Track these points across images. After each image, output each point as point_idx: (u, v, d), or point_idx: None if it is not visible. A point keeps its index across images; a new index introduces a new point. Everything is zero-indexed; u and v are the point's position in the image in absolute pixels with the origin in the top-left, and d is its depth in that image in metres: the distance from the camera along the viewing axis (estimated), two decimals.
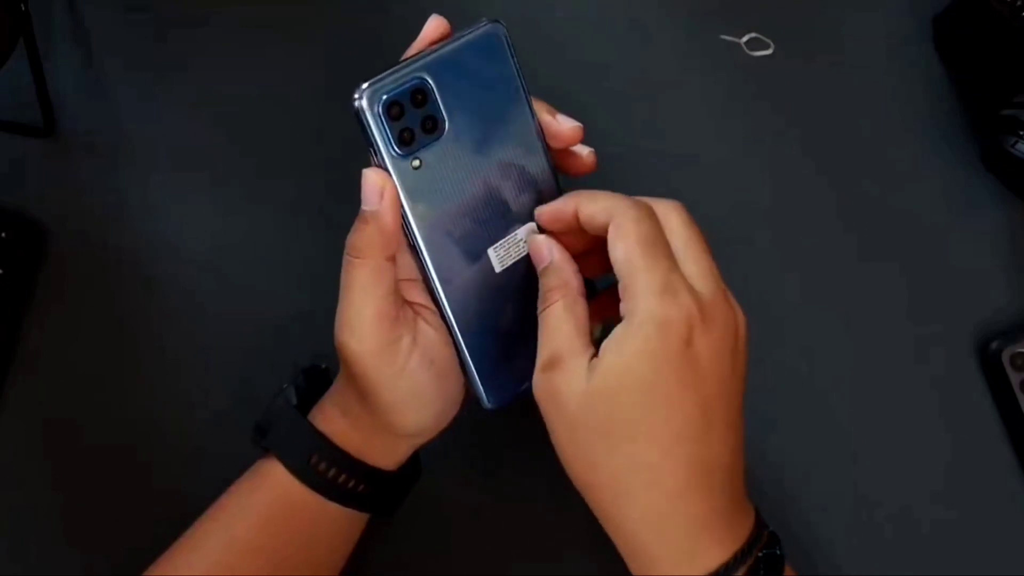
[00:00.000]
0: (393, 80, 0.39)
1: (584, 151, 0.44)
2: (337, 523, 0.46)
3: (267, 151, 0.58)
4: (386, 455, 0.45)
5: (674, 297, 0.38)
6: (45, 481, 0.54)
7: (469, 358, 0.43)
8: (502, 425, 0.56)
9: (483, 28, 0.41)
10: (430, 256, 0.42)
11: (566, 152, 0.44)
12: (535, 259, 0.43)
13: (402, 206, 0.40)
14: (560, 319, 0.40)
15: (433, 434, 0.46)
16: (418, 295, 0.44)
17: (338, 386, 0.46)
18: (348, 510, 0.45)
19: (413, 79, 0.39)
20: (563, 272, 0.41)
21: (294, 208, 0.58)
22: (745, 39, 0.61)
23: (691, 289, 0.39)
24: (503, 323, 0.44)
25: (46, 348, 0.55)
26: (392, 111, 0.39)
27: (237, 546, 0.45)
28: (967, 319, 0.58)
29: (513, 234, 0.44)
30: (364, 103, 0.39)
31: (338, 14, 0.60)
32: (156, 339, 0.56)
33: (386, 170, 0.40)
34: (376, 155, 0.40)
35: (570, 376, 0.39)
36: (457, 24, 0.42)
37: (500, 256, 0.44)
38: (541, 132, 0.43)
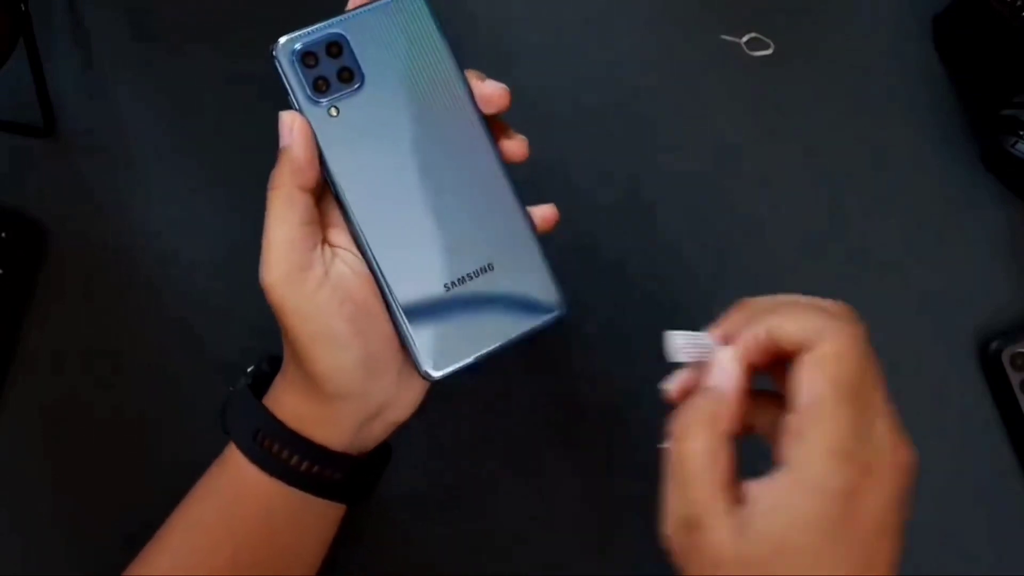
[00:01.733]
0: (308, 32, 0.42)
1: (517, 139, 0.44)
2: (296, 509, 0.44)
3: (268, 151, 0.58)
4: (333, 431, 0.43)
5: (849, 461, 0.34)
6: (45, 481, 0.54)
7: (401, 313, 0.42)
8: (502, 427, 0.56)
9: None
10: (351, 201, 0.42)
11: (500, 132, 0.44)
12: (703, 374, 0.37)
13: (321, 153, 0.42)
14: (702, 469, 0.35)
15: (367, 403, 0.43)
16: (341, 239, 0.43)
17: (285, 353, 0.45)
18: (306, 496, 0.44)
19: (328, 33, 0.43)
20: (723, 403, 0.37)
21: None
22: (745, 39, 0.61)
23: (869, 446, 0.35)
24: (445, 283, 0.43)
25: (46, 348, 0.55)
26: (307, 60, 0.42)
27: (201, 533, 0.44)
28: (967, 319, 0.58)
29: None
30: (279, 51, 0.42)
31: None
32: (156, 339, 0.56)
33: (302, 115, 0.42)
34: (294, 102, 0.42)
35: (715, 538, 0.35)
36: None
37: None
38: (473, 99, 0.44)
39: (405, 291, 0.42)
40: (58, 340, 0.55)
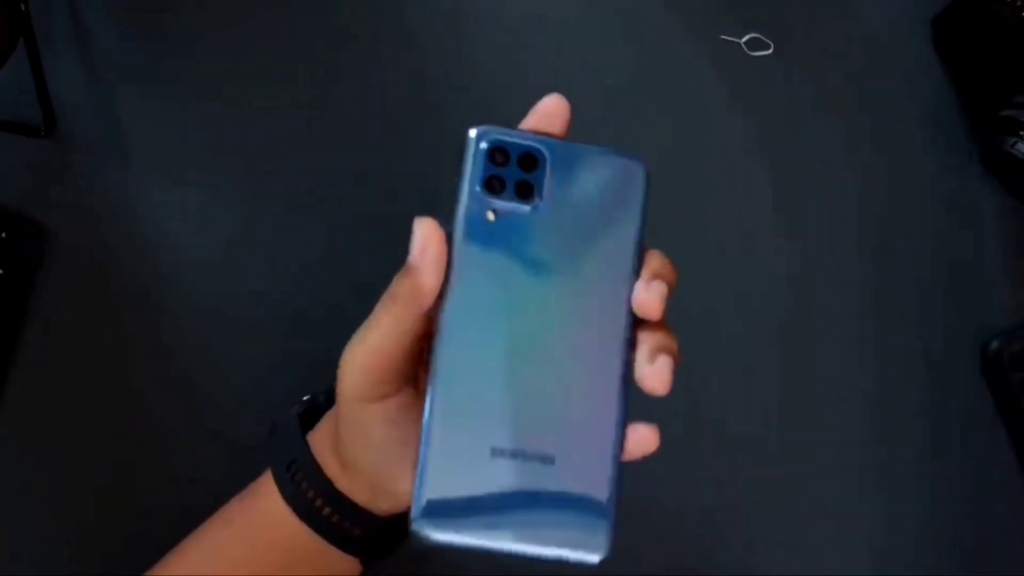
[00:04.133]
0: (516, 133, 0.39)
1: (661, 361, 0.38)
2: (315, 553, 0.44)
3: (269, 151, 0.58)
4: (351, 486, 0.43)
5: None
6: (44, 482, 0.54)
7: (427, 449, 0.36)
8: None
9: (629, 155, 0.40)
10: (447, 314, 0.38)
11: (647, 339, 0.39)
12: None
13: (452, 243, 0.38)
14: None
15: (382, 484, 0.42)
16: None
17: None
18: (326, 543, 0.43)
19: (533, 144, 0.39)
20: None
21: (296, 208, 0.58)
22: (745, 39, 0.61)
23: None
24: (493, 447, 0.37)
25: (46, 348, 0.55)
26: (495, 155, 0.38)
27: (221, 560, 0.44)
28: (967, 319, 0.58)
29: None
30: (478, 133, 0.38)
31: (339, 18, 0.60)
32: (156, 340, 0.56)
33: (459, 204, 0.38)
34: (460, 185, 0.39)
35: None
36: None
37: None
38: (631, 290, 0.39)
39: (446, 428, 0.37)
40: (58, 340, 0.55)
